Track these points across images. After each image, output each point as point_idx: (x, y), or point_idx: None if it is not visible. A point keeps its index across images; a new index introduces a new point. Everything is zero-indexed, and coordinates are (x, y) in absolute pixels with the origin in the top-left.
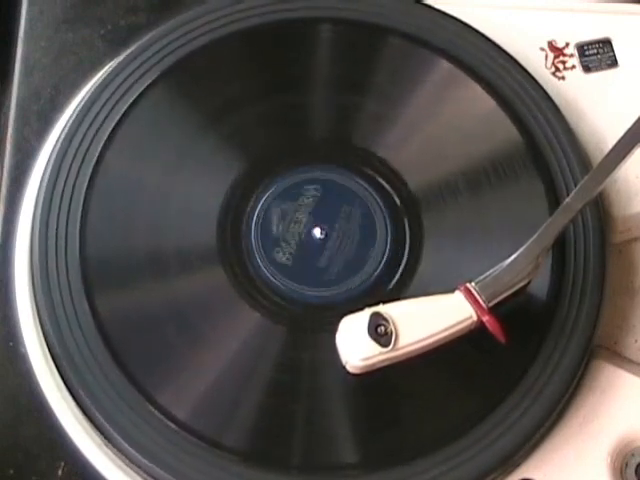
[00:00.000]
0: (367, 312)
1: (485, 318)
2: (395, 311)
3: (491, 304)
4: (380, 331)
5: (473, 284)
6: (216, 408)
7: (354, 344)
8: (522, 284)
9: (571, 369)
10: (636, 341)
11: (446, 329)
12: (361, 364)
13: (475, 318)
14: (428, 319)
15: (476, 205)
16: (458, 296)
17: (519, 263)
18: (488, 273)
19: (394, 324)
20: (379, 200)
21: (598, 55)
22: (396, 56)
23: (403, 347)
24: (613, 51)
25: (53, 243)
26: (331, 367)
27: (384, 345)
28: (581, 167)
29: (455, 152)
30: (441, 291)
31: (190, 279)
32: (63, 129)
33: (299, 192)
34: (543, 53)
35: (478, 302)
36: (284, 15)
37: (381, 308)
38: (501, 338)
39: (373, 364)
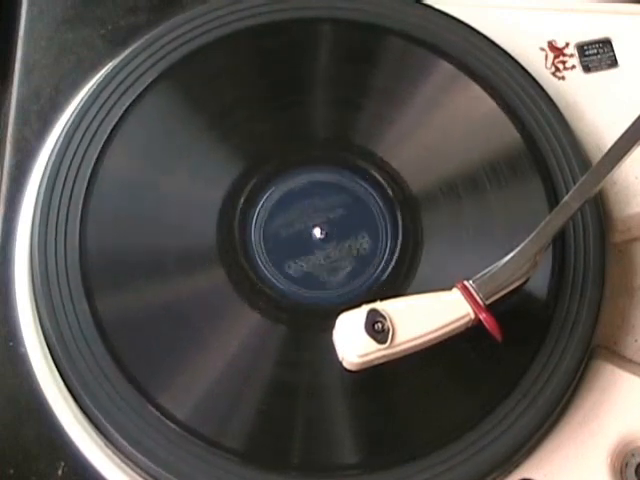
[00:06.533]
0: (364, 309)
1: (482, 316)
2: (392, 308)
3: (488, 302)
4: (377, 328)
5: (470, 282)
6: (216, 408)
7: (351, 341)
8: (520, 282)
9: (571, 369)
10: (636, 341)
11: (443, 326)
12: (358, 361)
13: (472, 316)
14: (425, 316)
15: (476, 205)
16: (455, 293)
17: (517, 261)
18: (486, 271)
19: (391, 321)
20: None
21: (598, 55)
22: (396, 56)
23: (400, 344)
24: (613, 51)
25: (53, 243)
26: (331, 367)
27: (381, 342)
28: (581, 167)
29: (455, 152)
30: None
31: (190, 279)
32: (63, 129)
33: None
34: (543, 53)
35: (475, 300)
36: (284, 15)
37: (378, 305)
38: (498, 336)
39: (370, 361)
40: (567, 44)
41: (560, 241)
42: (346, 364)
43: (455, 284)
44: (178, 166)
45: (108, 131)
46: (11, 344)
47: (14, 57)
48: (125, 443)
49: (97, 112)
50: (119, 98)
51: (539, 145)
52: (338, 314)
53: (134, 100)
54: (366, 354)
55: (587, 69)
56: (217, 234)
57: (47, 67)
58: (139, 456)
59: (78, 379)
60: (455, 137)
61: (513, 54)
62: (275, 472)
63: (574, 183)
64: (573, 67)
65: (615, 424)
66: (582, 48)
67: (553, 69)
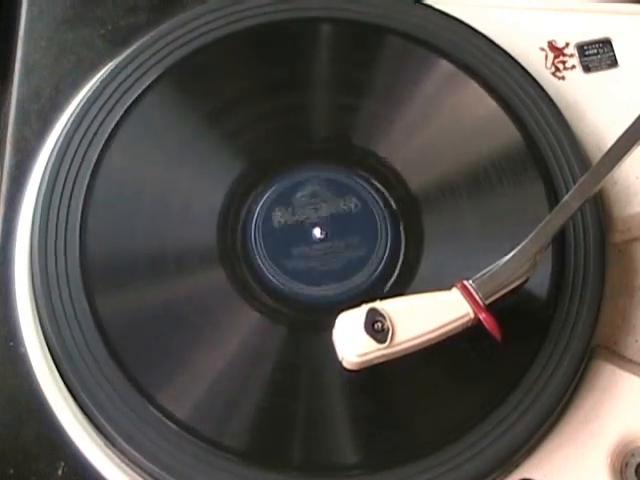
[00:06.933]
0: (364, 308)
1: (482, 315)
2: (392, 307)
3: (488, 301)
4: (377, 327)
5: (470, 281)
6: (216, 408)
7: (350, 340)
8: (519, 282)
9: (571, 369)
10: (636, 341)
11: (443, 326)
12: (357, 360)
13: (472, 315)
14: (425, 316)
15: (476, 205)
16: (455, 293)
17: (516, 261)
18: (485, 271)
19: (391, 320)
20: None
21: (598, 55)
22: (396, 56)
23: (400, 343)
24: (613, 51)
25: (53, 243)
26: (331, 367)
27: (380, 341)
28: (581, 167)
29: (455, 152)
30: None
31: (190, 279)
32: (63, 129)
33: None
34: (543, 53)
35: (475, 299)
36: (284, 15)
37: (378, 304)
38: (497, 336)
39: (369, 360)
40: (567, 44)
41: (560, 241)
42: (346, 364)
43: (455, 284)
44: (178, 166)
45: (108, 131)
46: (11, 344)
47: (14, 57)
48: (125, 443)
49: (97, 112)
50: (119, 98)
51: (539, 145)
52: (338, 313)
53: (134, 100)
54: (365, 353)
55: (587, 69)
56: (217, 234)
57: (47, 67)
58: (139, 456)
59: (78, 379)
60: (455, 137)
61: (513, 54)
62: (275, 472)
63: (574, 183)
64: (573, 67)
65: (615, 424)
66: (582, 48)
67: (553, 69)
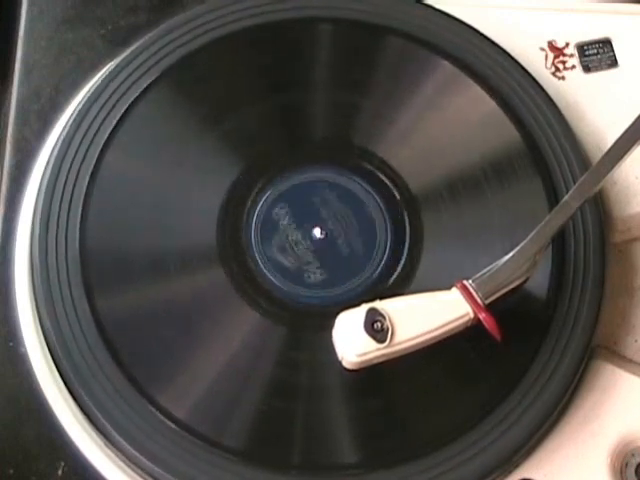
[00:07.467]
0: (364, 308)
1: (482, 315)
2: (391, 307)
3: (488, 301)
4: (376, 327)
5: (470, 281)
6: (216, 408)
7: (350, 340)
8: (519, 282)
9: (571, 369)
10: (636, 341)
11: (442, 326)
12: (357, 360)
13: (472, 315)
14: (425, 315)
15: (476, 205)
16: (455, 293)
17: (516, 261)
18: (485, 270)
19: (390, 320)
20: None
21: (598, 55)
22: (396, 56)
23: (399, 343)
24: (613, 51)
25: (53, 243)
26: (331, 367)
27: (380, 341)
28: (581, 167)
29: (455, 152)
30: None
31: (190, 279)
32: (63, 129)
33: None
34: (543, 53)
35: (475, 299)
36: (284, 15)
37: (377, 304)
38: (497, 336)
39: (369, 360)
40: (567, 44)
41: (560, 241)
42: (345, 363)
43: (454, 283)
44: (178, 166)
45: (108, 131)
46: (11, 344)
47: (14, 57)
48: (125, 443)
49: (97, 112)
50: (119, 98)
51: (539, 145)
52: (337, 313)
53: (134, 100)
54: (365, 353)
55: (587, 69)
56: (217, 234)
57: (47, 67)
58: (139, 456)
59: (78, 379)
60: (455, 137)
61: (513, 54)
62: (275, 472)
63: (574, 183)
64: (573, 67)
65: (615, 424)
66: (582, 48)
67: (553, 69)
